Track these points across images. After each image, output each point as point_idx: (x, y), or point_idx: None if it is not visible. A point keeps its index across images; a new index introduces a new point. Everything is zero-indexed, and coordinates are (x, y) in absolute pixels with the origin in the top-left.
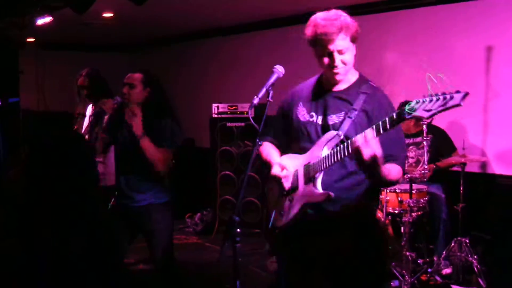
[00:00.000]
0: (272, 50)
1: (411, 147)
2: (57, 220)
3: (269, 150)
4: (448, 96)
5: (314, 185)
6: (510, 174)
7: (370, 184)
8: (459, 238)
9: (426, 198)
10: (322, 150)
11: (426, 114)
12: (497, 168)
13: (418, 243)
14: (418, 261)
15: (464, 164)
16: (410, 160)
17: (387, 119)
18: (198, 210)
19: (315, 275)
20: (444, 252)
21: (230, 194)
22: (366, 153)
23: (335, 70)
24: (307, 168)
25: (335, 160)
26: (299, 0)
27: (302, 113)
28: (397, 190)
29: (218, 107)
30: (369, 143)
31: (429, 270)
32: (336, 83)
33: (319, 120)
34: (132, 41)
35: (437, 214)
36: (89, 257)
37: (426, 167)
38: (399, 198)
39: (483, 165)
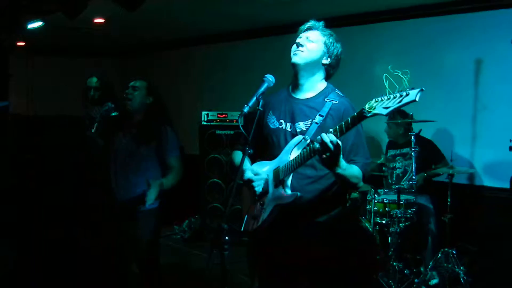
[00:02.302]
0: (264, 58)
1: (398, 158)
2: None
3: (239, 158)
4: (404, 93)
5: (283, 188)
6: (497, 186)
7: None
8: (446, 249)
9: (414, 209)
10: (290, 154)
11: (384, 111)
12: (484, 180)
13: (406, 253)
14: (405, 272)
15: (452, 175)
16: (397, 171)
17: (348, 118)
18: (186, 217)
19: (290, 280)
20: (431, 263)
21: (219, 201)
22: (328, 153)
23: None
24: (276, 172)
25: (301, 161)
26: (291, 9)
27: (272, 121)
28: (385, 201)
29: (207, 114)
30: (331, 144)
31: (416, 280)
32: (300, 90)
33: (288, 127)
34: (123, 47)
35: (425, 224)
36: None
37: (414, 177)
38: (387, 209)
39: (471, 176)
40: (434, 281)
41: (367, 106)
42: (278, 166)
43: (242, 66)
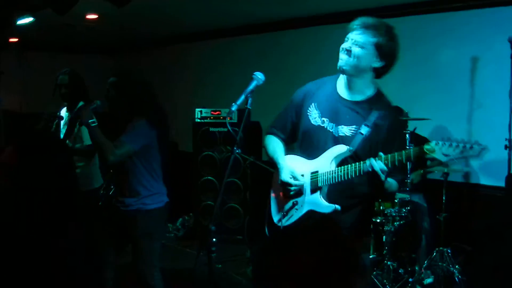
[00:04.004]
0: (259, 55)
1: None
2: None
3: (275, 147)
4: (467, 145)
5: (321, 196)
6: (493, 185)
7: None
8: (441, 248)
9: (409, 208)
10: (331, 163)
11: (443, 158)
12: (480, 179)
13: (400, 252)
14: (400, 271)
15: (447, 173)
16: None
17: (403, 155)
18: (179, 215)
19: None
20: (426, 262)
21: (212, 199)
22: (376, 179)
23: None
24: (315, 177)
25: (345, 176)
26: (287, 5)
27: (314, 116)
28: (379, 199)
29: (201, 111)
30: (381, 172)
31: (411, 279)
32: (348, 91)
33: (330, 127)
34: (116, 43)
35: (419, 223)
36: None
37: (409, 175)
38: (381, 207)
39: (466, 175)
40: (429, 280)
41: (426, 147)
42: (317, 172)
43: (237, 63)
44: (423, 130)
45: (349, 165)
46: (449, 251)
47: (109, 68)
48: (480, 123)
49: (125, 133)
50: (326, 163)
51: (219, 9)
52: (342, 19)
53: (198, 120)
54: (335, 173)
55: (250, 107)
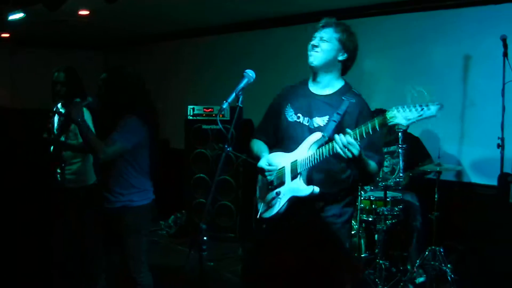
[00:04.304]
0: (252, 52)
1: (386, 156)
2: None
3: (259, 146)
4: (425, 107)
5: (300, 180)
6: (485, 183)
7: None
8: (433, 247)
9: (401, 206)
10: (309, 150)
11: (405, 122)
12: (472, 177)
13: (392, 251)
14: (392, 270)
15: (439, 172)
16: (385, 169)
17: (369, 125)
18: (171, 212)
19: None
20: (418, 261)
21: (204, 197)
22: (347, 154)
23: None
24: (294, 165)
25: (320, 158)
26: (280, 3)
27: (290, 114)
28: (371, 198)
29: (193, 109)
30: (349, 145)
31: (403, 278)
32: (319, 86)
33: (305, 121)
34: (109, 39)
35: (411, 222)
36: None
37: (401, 175)
38: (373, 206)
39: (458, 173)
40: (421, 279)
41: (388, 115)
42: (296, 160)
43: (230, 60)
44: (415, 128)
45: (323, 147)
46: (441, 250)
47: (101, 64)
48: (473, 122)
49: (116, 131)
50: (304, 151)
51: (211, 6)
52: (332, 17)
53: (191, 118)
54: (311, 156)
55: (241, 105)
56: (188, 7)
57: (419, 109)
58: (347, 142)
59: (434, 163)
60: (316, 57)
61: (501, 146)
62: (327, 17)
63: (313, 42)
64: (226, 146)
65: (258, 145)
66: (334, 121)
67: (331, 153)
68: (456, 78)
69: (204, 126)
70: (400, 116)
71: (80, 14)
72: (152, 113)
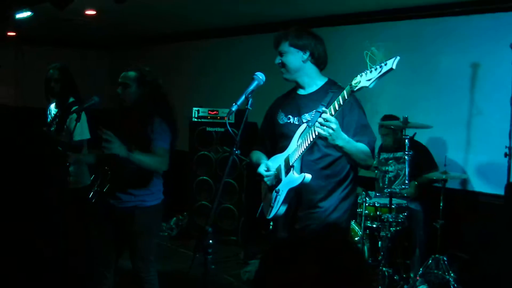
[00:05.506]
0: (257, 55)
1: (390, 161)
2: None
3: (258, 155)
4: (382, 65)
5: (293, 172)
6: (492, 193)
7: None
8: (437, 255)
9: (406, 214)
10: (297, 142)
11: (368, 83)
12: (478, 186)
13: (396, 258)
14: (395, 277)
15: (445, 180)
16: (390, 175)
17: (339, 97)
18: (173, 214)
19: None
20: (421, 269)
21: (207, 199)
22: (327, 130)
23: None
24: (286, 159)
25: (306, 145)
26: (285, 7)
27: (281, 117)
28: (376, 204)
29: (198, 111)
30: (326, 122)
31: (405, 286)
32: (304, 88)
33: (296, 120)
34: (114, 39)
35: (414, 230)
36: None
37: (407, 181)
38: (378, 212)
39: (464, 182)
40: None
41: (353, 82)
42: (288, 154)
43: (235, 62)
44: (422, 136)
45: (307, 133)
46: (445, 258)
47: (106, 64)
48: (480, 130)
49: (158, 137)
50: (293, 145)
51: (218, 8)
52: (339, 22)
53: (195, 120)
54: (299, 146)
55: (250, 108)
56: (195, 9)
57: (378, 68)
58: (323, 120)
59: (440, 171)
60: (285, 72)
61: (508, 155)
62: (362, 18)
63: (276, 62)
64: (234, 149)
65: (257, 155)
66: (319, 111)
67: (314, 136)
68: (463, 86)
69: (209, 129)
70: (363, 79)
71: (87, 14)
72: (173, 114)
